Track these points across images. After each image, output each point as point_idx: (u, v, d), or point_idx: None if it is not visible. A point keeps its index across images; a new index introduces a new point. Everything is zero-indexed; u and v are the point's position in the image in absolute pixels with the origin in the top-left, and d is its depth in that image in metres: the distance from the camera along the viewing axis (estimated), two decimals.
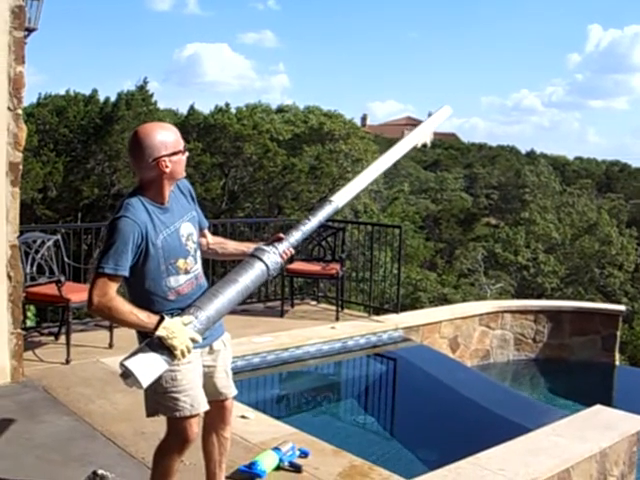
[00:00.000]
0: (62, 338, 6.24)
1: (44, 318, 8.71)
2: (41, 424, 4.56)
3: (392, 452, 5.33)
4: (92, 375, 5.57)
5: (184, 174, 3.05)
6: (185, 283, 2.98)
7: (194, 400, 2.97)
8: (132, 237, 2.79)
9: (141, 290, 2.92)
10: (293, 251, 3.28)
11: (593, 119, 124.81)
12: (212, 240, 3.37)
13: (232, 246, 3.41)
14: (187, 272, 3.00)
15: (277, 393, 6.72)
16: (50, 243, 6.51)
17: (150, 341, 2.74)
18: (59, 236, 6.67)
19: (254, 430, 4.56)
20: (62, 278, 6.02)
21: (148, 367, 2.67)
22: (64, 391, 5.19)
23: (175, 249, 2.95)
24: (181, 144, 2.97)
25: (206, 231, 3.30)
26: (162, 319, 2.76)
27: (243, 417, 4.72)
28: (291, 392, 6.80)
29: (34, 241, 6.36)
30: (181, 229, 3.00)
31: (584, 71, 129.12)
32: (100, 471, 3.58)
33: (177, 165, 2.95)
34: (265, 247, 3.15)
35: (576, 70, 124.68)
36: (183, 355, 2.74)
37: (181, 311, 2.87)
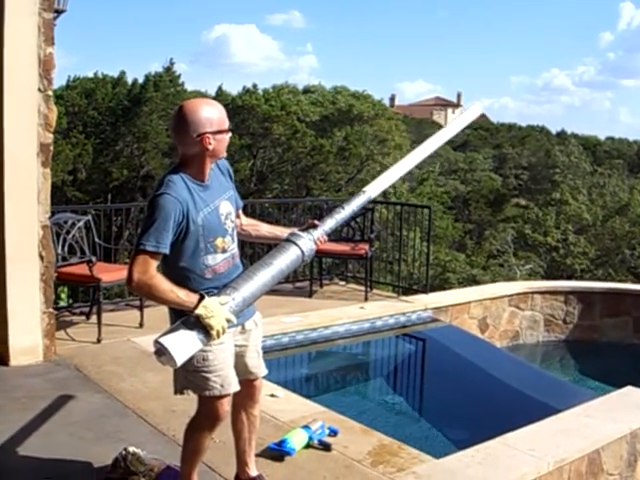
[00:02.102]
0: (93, 318, 6.31)
1: (75, 298, 8.81)
2: (73, 402, 4.62)
3: (421, 432, 5.33)
4: (123, 354, 5.62)
5: (225, 154, 3.04)
6: (222, 262, 2.98)
7: (224, 380, 2.99)
8: (174, 214, 2.78)
9: (178, 267, 2.91)
10: (327, 238, 3.28)
11: (625, 99, 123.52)
12: (245, 222, 3.36)
13: (265, 229, 3.41)
14: (224, 251, 2.99)
15: (306, 372, 6.74)
16: (81, 224, 6.55)
17: (186, 319, 2.75)
18: (89, 217, 6.71)
19: (284, 408, 4.59)
20: (93, 258, 6.07)
21: (183, 345, 2.69)
22: (95, 369, 5.25)
23: (215, 227, 2.94)
24: (226, 123, 2.96)
25: (240, 212, 3.29)
26: (202, 298, 2.76)
27: (272, 396, 4.74)
28: (320, 371, 6.82)
29: (65, 222, 6.41)
30: (220, 207, 2.99)
31: (616, 50, 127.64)
32: (131, 448, 3.61)
33: (220, 144, 2.94)
34: (300, 232, 3.15)
35: (608, 49, 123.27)
36: (218, 335, 2.75)
37: (216, 290, 2.88)
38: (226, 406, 3.05)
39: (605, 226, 30.78)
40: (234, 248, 3.08)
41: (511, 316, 8.53)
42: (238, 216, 3.27)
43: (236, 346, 3.11)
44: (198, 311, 2.73)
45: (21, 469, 3.70)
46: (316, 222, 3.24)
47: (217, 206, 2.98)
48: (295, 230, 3.20)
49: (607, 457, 4.39)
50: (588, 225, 30.96)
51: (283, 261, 3.03)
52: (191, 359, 2.81)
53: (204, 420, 3.08)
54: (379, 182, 3.60)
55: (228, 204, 3.06)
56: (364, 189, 3.50)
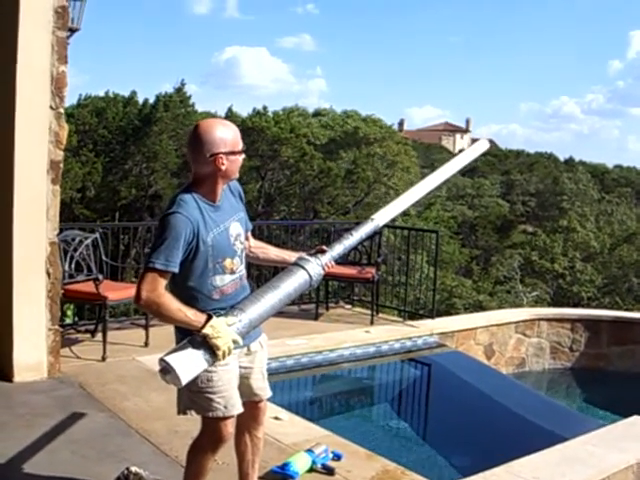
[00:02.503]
0: (98, 336, 6.29)
1: (81, 316, 8.80)
2: (77, 420, 4.60)
3: (425, 457, 5.29)
4: (127, 373, 5.61)
5: (237, 175, 3.05)
6: (230, 283, 2.98)
7: (228, 402, 2.97)
8: (184, 233, 2.77)
9: (186, 287, 2.91)
10: (334, 264, 3.27)
11: (634, 127, 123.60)
12: (254, 244, 3.35)
13: (273, 252, 3.40)
14: (233, 272, 2.99)
15: (310, 395, 6.71)
16: (88, 241, 6.56)
17: (192, 339, 2.74)
18: (97, 234, 6.72)
19: (287, 431, 4.56)
20: (100, 276, 6.07)
21: (188, 365, 2.68)
22: (100, 388, 5.23)
23: (224, 248, 2.94)
24: (240, 144, 2.96)
25: (249, 234, 3.28)
26: (210, 318, 2.76)
27: (276, 418, 4.72)
28: (324, 395, 6.79)
29: (73, 239, 6.42)
30: (230, 228, 2.99)
31: (625, 78, 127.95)
32: (134, 468, 3.60)
33: (233, 165, 2.94)
34: (309, 257, 3.15)
35: (617, 77, 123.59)
36: (224, 356, 2.74)
37: (223, 311, 2.87)
38: (230, 427, 3.03)
39: (612, 254, 30.71)
40: (242, 270, 3.07)
41: (517, 343, 8.49)
42: (247, 238, 3.26)
43: (241, 367, 3.10)
44: (205, 331, 2.72)
45: None
46: (324, 247, 3.24)
47: (227, 227, 2.98)
48: (303, 254, 3.20)
49: None
50: (595, 253, 30.89)
51: (291, 284, 3.02)
52: (195, 379, 2.80)
53: (207, 441, 3.06)
54: (387, 210, 3.64)
55: (238, 225, 3.06)
56: (372, 217, 3.53)
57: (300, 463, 3.93)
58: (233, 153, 2.92)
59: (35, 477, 3.74)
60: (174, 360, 2.66)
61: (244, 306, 2.88)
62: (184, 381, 2.67)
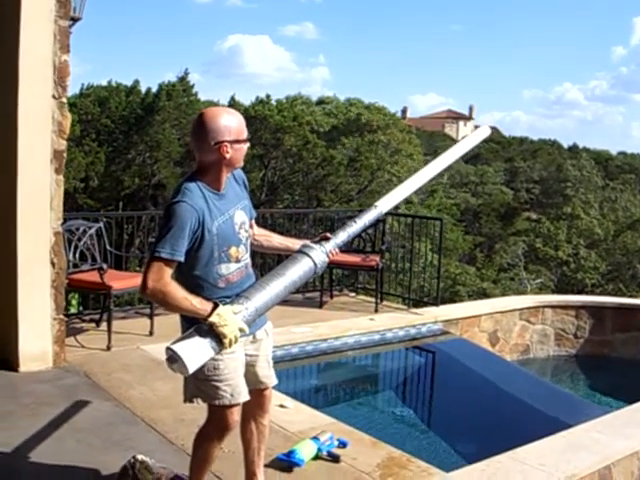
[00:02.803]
0: (103, 325, 6.31)
1: (86, 305, 8.82)
2: (82, 409, 4.61)
3: (430, 444, 5.30)
4: (133, 362, 5.62)
5: (242, 163, 3.05)
6: (235, 271, 2.98)
7: (234, 390, 2.98)
8: (189, 222, 2.78)
9: (192, 276, 2.91)
10: (338, 251, 3.27)
11: (638, 113, 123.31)
12: (258, 232, 3.36)
13: (277, 240, 3.40)
14: (238, 260, 2.99)
15: (315, 383, 6.72)
16: (92, 231, 6.57)
17: (199, 327, 2.74)
18: (101, 224, 6.72)
19: (293, 419, 4.57)
20: (104, 265, 6.07)
21: (195, 353, 2.68)
22: (105, 377, 5.24)
23: (229, 236, 2.94)
24: (244, 133, 2.97)
25: (253, 222, 3.29)
26: (216, 306, 2.76)
27: (282, 406, 4.73)
28: (329, 382, 6.79)
29: (77, 229, 6.42)
30: (235, 217, 2.99)
31: (629, 64, 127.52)
32: (140, 456, 3.60)
33: (237, 153, 2.94)
34: (313, 245, 3.16)
35: (621, 63, 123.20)
36: (231, 344, 2.75)
37: (229, 299, 2.88)
38: (236, 415, 3.04)
39: (616, 241, 30.67)
40: (247, 258, 3.07)
41: (522, 330, 8.48)
42: (251, 226, 3.26)
43: (247, 355, 3.10)
44: (212, 319, 2.72)
45: (29, 474, 3.69)
46: (328, 235, 3.25)
47: (232, 215, 2.98)
48: (307, 242, 3.21)
49: (618, 473, 4.34)
50: (599, 240, 30.86)
51: (295, 272, 3.03)
52: (202, 368, 2.80)
53: (213, 429, 3.07)
54: (390, 197, 3.65)
55: (242, 214, 3.06)
56: (376, 203, 3.54)
57: (306, 450, 3.94)
58: (238, 141, 2.92)
59: (41, 466, 3.76)
60: (181, 349, 2.66)
61: (250, 294, 2.88)
62: (191, 369, 2.67)
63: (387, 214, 10.49)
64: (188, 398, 3.06)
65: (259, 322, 3.07)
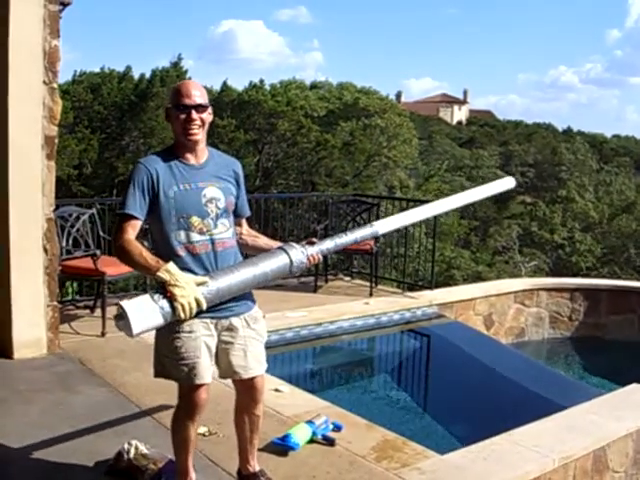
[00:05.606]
0: (97, 311, 6.30)
1: (80, 292, 8.80)
2: (77, 395, 4.61)
3: (425, 427, 5.31)
4: (127, 347, 5.59)
5: (194, 138, 3.01)
6: (198, 243, 2.98)
7: (191, 371, 2.95)
8: (139, 179, 2.93)
9: (156, 241, 3.02)
10: (321, 258, 3.27)
11: (632, 96, 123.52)
12: (246, 231, 3.35)
13: (264, 241, 3.38)
14: (202, 232, 2.99)
15: (310, 367, 6.72)
16: (85, 217, 6.55)
17: (155, 292, 2.74)
18: (94, 210, 6.71)
19: (287, 403, 4.56)
20: (98, 252, 6.05)
21: (143, 315, 2.67)
22: (99, 363, 5.24)
23: (190, 205, 2.97)
24: (183, 99, 2.98)
25: (243, 221, 3.30)
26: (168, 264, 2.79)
27: (277, 390, 4.73)
28: (324, 367, 6.80)
29: (70, 215, 6.40)
30: (206, 190, 3.02)
31: (624, 47, 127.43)
32: (135, 442, 3.60)
33: (176, 122, 3.00)
34: (295, 245, 3.15)
35: (615, 46, 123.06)
36: (184, 312, 2.72)
37: (193, 274, 2.87)
38: (202, 394, 3.01)
39: (611, 224, 30.75)
40: (219, 235, 3.04)
41: (516, 313, 8.50)
42: (240, 224, 3.28)
43: (221, 342, 3.07)
44: (160, 273, 2.74)
45: (24, 461, 3.68)
46: (314, 240, 3.24)
47: (201, 187, 3.02)
48: (292, 243, 3.19)
49: (613, 454, 4.37)
50: (594, 223, 30.93)
51: (269, 265, 3.02)
52: (161, 340, 2.89)
53: (182, 409, 3.08)
54: (390, 221, 3.68)
55: (219, 192, 3.06)
56: (373, 223, 3.56)
57: (301, 434, 3.94)
58: (175, 107, 3.01)
59: (35, 452, 3.75)
60: (129, 306, 2.65)
61: (216, 274, 2.90)
62: (135, 330, 2.66)
63: (382, 198, 10.49)
64: (155, 372, 3.09)
65: (236, 309, 3.06)
